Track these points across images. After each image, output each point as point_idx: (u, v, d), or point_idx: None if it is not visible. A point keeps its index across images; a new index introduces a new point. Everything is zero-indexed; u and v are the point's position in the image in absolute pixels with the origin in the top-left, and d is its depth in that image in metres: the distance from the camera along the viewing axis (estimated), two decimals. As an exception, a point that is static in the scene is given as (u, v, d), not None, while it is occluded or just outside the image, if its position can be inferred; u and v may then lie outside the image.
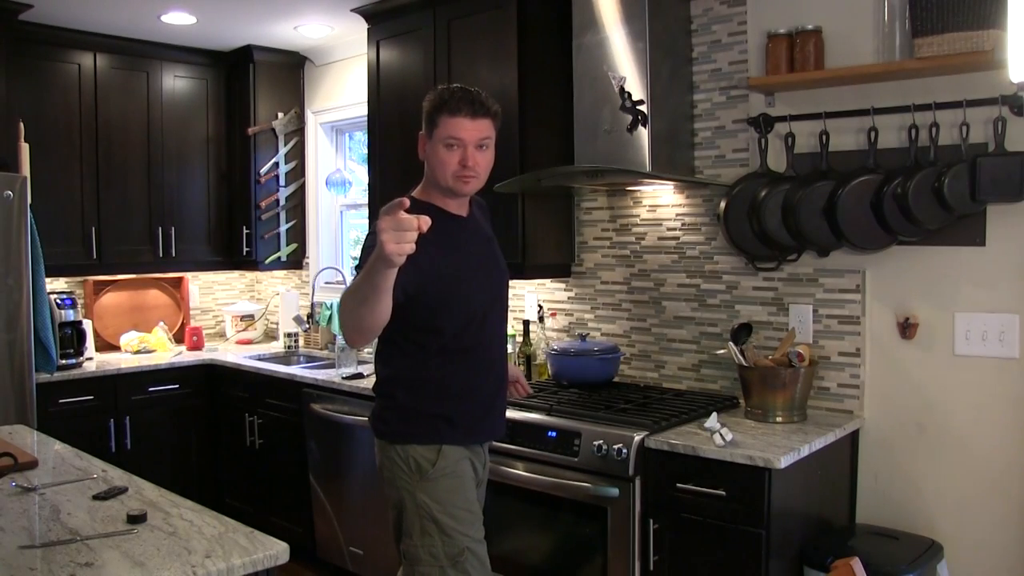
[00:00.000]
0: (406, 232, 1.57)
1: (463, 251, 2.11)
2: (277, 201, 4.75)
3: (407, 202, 1.59)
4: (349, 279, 4.55)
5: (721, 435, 2.38)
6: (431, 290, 2.01)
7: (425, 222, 1.59)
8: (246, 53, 4.61)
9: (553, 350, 3.19)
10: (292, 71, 4.83)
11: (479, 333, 2.14)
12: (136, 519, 1.74)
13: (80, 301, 4.46)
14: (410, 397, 2.12)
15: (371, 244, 1.88)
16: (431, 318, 2.07)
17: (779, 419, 2.63)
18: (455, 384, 2.12)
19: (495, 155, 2.14)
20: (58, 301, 4.02)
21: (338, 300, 2.02)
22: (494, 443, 2.43)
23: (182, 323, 4.89)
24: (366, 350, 4.16)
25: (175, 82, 4.59)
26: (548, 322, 3.58)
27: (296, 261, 4.89)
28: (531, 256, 3.29)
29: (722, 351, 2.90)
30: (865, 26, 2.62)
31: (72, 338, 4.03)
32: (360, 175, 4.78)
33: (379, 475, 2.19)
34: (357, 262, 2.10)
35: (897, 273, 2.64)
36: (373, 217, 3.84)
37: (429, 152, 2.09)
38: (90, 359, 4.24)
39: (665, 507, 2.45)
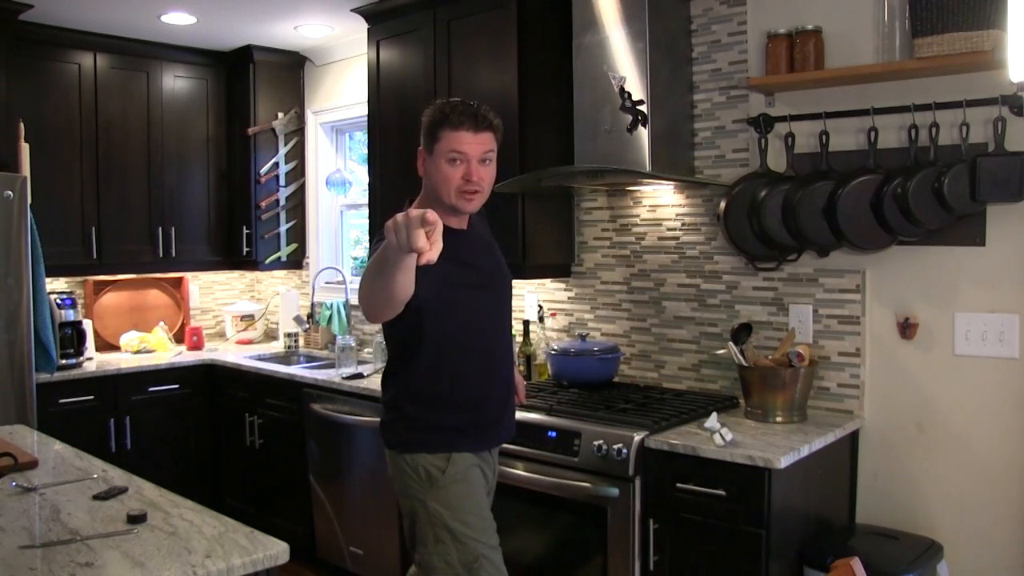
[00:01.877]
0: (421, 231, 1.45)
1: (466, 265, 2.10)
2: (277, 201, 4.75)
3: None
4: (350, 279, 4.55)
5: (721, 435, 2.38)
6: (437, 304, 2.01)
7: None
8: (246, 53, 4.61)
9: (553, 350, 3.19)
10: (292, 71, 4.83)
11: (485, 343, 2.14)
12: (136, 519, 1.74)
13: (80, 301, 4.46)
14: (418, 409, 2.12)
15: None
16: (437, 331, 2.06)
17: (779, 419, 2.63)
18: (463, 395, 2.11)
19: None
20: (58, 301, 4.02)
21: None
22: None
23: (182, 323, 4.89)
24: (366, 350, 4.17)
25: (175, 82, 4.59)
26: (548, 322, 3.58)
27: (296, 261, 4.89)
28: (531, 256, 3.29)
29: (722, 351, 2.90)
30: (865, 26, 2.62)
31: (72, 338, 4.03)
32: (360, 175, 4.78)
33: (391, 485, 2.19)
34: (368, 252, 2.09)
35: (897, 273, 2.64)
36: (373, 217, 3.84)
37: (430, 168, 2.05)
38: (90, 359, 4.24)
39: (665, 507, 2.45)
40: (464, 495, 2.08)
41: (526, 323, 3.54)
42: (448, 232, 2.05)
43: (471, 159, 2.00)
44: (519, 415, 2.75)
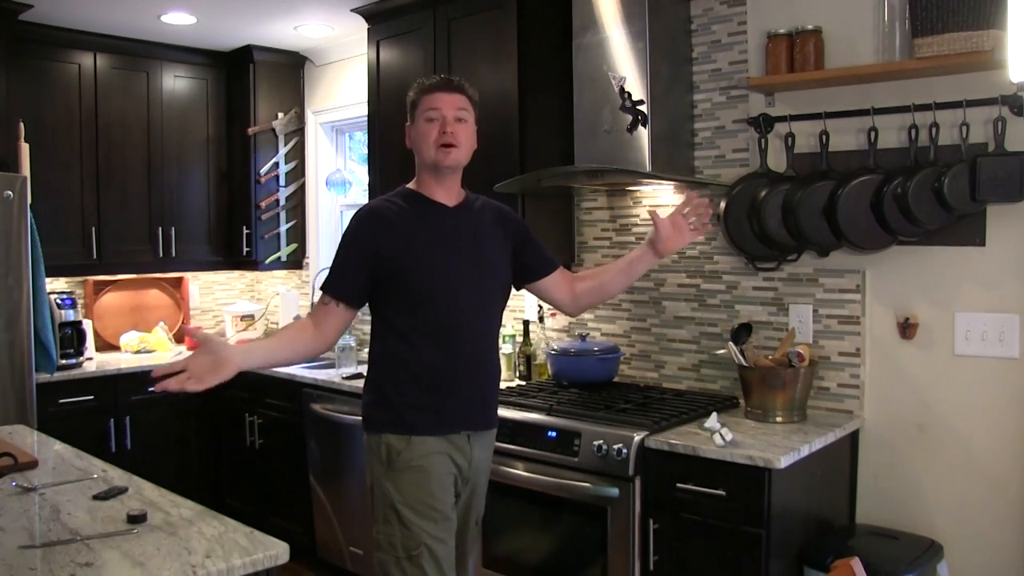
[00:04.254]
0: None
1: (436, 235, 2.15)
2: (277, 201, 4.75)
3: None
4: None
5: (721, 435, 2.38)
6: (391, 271, 2.10)
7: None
8: (246, 53, 4.61)
9: (553, 350, 3.19)
10: (292, 71, 4.83)
11: (449, 318, 2.13)
12: (136, 519, 1.75)
13: (80, 301, 4.46)
14: (383, 384, 2.17)
15: (338, 260, 2.15)
16: (397, 295, 2.12)
17: (779, 419, 2.63)
18: (423, 371, 2.12)
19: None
20: (58, 301, 4.02)
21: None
22: (495, 443, 2.42)
23: (182, 323, 4.89)
24: (366, 350, 4.16)
25: (175, 82, 4.59)
26: (548, 322, 3.58)
27: (296, 261, 4.90)
28: (531, 256, 3.29)
29: (722, 351, 2.90)
30: (865, 26, 2.62)
31: (72, 338, 4.03)
32: (360, 175, 4.78)
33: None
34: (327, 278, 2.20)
35: (897, 273, 2.64)
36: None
37: (413, 135, 2.20)
38: (90, 359, 4.24)
39: (665, 507, 2.45)
40: (416, 482, 2.09)
41: (526, 323, 3.54)
42: (429, 204, 2.19)
43: (446, 116, 2.14)
44: (520, 415, 2.77)
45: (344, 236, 2.18)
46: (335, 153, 4.89)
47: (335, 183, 4.68)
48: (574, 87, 3.09)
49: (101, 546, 1.62)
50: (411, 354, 2.13)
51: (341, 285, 2.14)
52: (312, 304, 4.64)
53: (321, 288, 2.19)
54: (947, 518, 2.53)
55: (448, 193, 2.22)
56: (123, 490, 1.96)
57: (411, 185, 2.24)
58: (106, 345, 4.57)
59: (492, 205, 2.34)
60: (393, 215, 2.15)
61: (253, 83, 4.65)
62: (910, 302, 2.62)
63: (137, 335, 4.52)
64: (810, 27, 2.66)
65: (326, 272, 2.20)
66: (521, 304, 3.65)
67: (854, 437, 2.71)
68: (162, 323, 4.67)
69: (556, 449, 2.66)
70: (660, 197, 3.21)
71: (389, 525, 2.09)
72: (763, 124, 2.79)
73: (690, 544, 2.41)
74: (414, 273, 2.11)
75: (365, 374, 2.27)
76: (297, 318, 4.55)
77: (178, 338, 4.78)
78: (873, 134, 2.58)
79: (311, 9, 3.96)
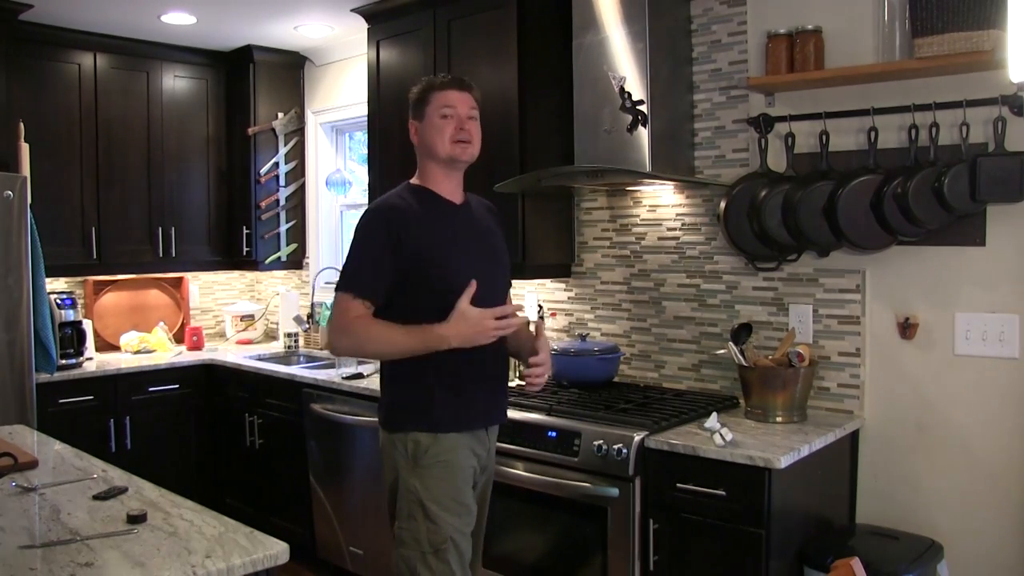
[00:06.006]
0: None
1: (450, 233, 2.17)
2: (277, 201, 4.75)
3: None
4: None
5: (721, 435, 2.38)
6: (414, 266, 2.09)
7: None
8: (246, 53, 4.61)
9: (553, 350, 3.19)
10: (292, 71, 4.83)
11: None
12: (136, 519, 1.75)
13: (80, 301, 4.46)
14: (406, 378, 2.16)
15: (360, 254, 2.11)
16: (418, 293, 2.12)
17: (779, 419, 2.63)
18: (445, 366, 2.13)
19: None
20: (58, 301, 4.02)
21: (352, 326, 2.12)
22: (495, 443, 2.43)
23: (182, 323, 4.89)
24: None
25: (175, 82, 4.59)
26: (548, 322, 3.58)
27: (296, 261, 4.90)
28: (531, 256, 3.29)
29: (722, 351, 2.90)
30: (865, 26, 2.62)
31: (72, 338, 4.03)
32: (360, 175, 4.78)
33: (381, 455, 2.24)
34: (350, 266, 2.16)
35: (897, 273, 2.64)
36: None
37: (423, 131, 2.19)
38: (90, 359, 4.24)
39: (665, 507, 2.45)
40: (444, 478, 2.10)
41: (526, 323, 3.53)
42: (438, 200, 2.19)
43: (461, 114, 2.17)
44: (520, 415, 2.78)
45: (362, 234, 2.14)
46: (335, 153, 4.89)
47: (335, 183, 4.68)
48: (574, 87, 3.09)
49: (101, 546, 1.62)
50: (434, 352, 2.12)
51: (375, 286, 2.10)
52: (312, 305, 4.64)
53: (349, 291, 2.12)
54: (947, 518, 2.53)
55: (454, 190, 2.24)
56: (123, 490, 1.96)
57: (416, 181, 2.24)
58: (106, 345, 4.57)
59: (485, 203, 2.38)
60: (410, 211, 2.14)
61: (253, 83, 4.65)
62: (910, 302, 2.62)
63: (137, 335, 4.52)
64: (810, 27, 2.66)
65: (340, 272, 2.18)
66: (521, 304, 3.64)
67: (854, 437, 2.71)
68: (162, 323, 4.67)
69: (556, 449, 2.66)
70: (660, 197, 3.21)
71: (414, 521, 2.09)
72: (763, 124, 2.79)
73: (690, 544, 2.41)
74: (436, 270, 2.11)
75: (381, 372, 2.26)
76: (297, 319, 4.55)
77: (178, 338, 4.78)
78: (873, 134, 2.58)
79: (311, 9, 3.96)
